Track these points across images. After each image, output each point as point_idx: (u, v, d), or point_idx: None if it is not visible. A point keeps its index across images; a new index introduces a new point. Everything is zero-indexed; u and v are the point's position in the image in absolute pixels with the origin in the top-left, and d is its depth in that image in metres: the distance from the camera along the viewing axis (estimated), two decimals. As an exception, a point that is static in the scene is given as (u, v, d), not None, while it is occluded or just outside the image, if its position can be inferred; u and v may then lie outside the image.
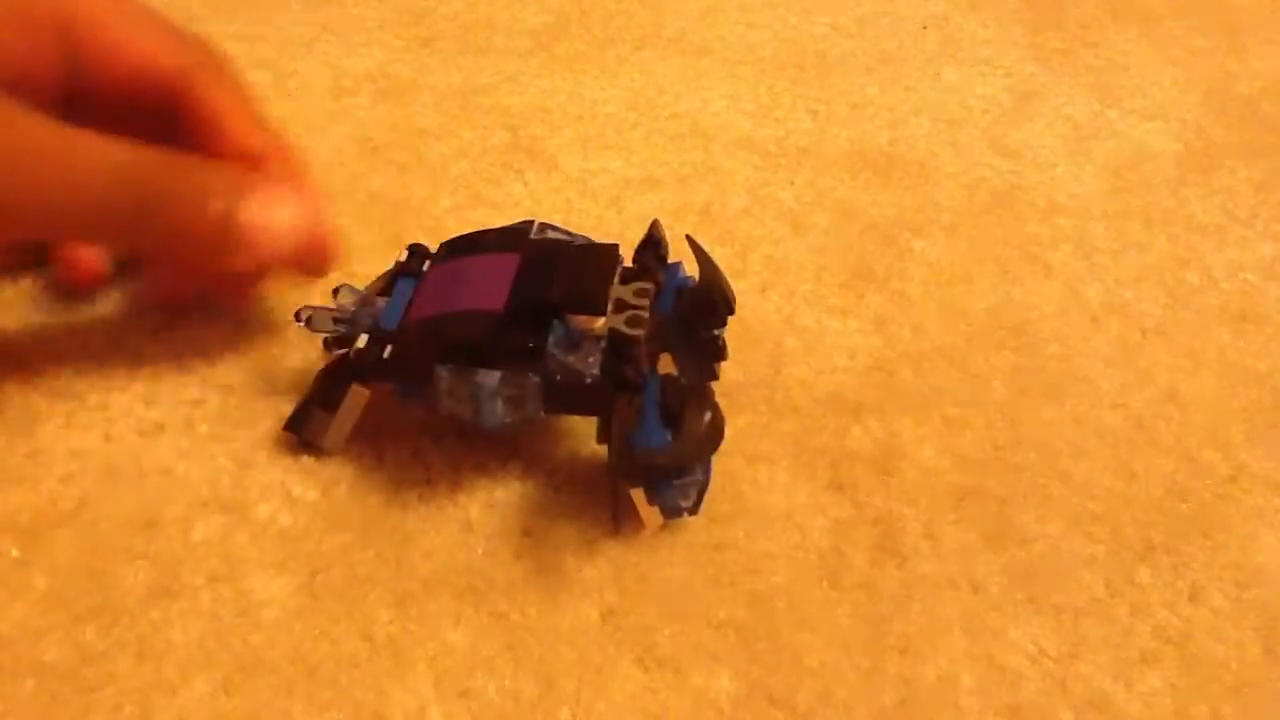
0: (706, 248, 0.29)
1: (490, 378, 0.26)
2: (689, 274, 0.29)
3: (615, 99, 0.44)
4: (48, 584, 0.26)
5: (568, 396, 0.26)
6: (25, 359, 0.31)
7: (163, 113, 0.29)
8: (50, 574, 0.26)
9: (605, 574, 0.27)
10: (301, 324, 0.29)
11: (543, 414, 0.26)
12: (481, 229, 0.29)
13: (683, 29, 0.49)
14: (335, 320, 0.29)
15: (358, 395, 0.28)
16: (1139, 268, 0.38)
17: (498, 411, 0.26)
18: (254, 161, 0.29)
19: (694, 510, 0.27)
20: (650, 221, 0.29)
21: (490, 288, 0.27)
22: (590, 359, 0.26)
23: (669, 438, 0.26)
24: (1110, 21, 0.52)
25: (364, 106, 0.42)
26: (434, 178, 0.39)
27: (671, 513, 0.27)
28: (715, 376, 0.30)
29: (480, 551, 0.28)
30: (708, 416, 0.26)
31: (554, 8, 0.50)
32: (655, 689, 0.25)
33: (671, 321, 0.28)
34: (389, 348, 0.27)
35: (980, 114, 0.45)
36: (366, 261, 0.35)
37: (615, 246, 0.28)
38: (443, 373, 0.26)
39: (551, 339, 0.26)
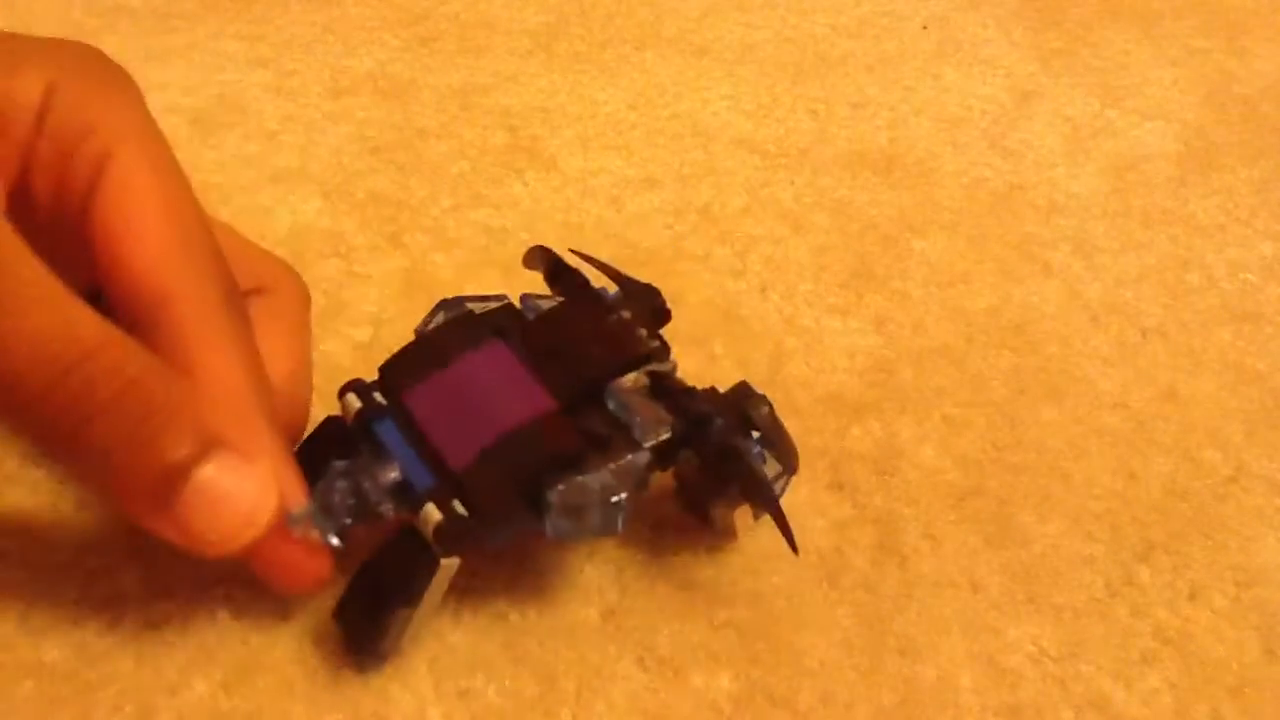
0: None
1: (601, 476, 0.23)
2: (602, 286, 0.27)
3: (615, 99, 0.44)
4: (48, 584, 0.26)
5: (671, 456, 0.24)
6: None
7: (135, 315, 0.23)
8: (50, 574, 0.26)
9: (605, 574, 0.27)
10: (297, 530, 0.22)
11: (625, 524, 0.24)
12: (416, 339, 0.25)
13: (683, 29, 0.49)
14: (339, 507, 0.23)
15: (448, 569, 0.23)
16: (1139, 268, 0.38)
17: (624, 513, 0.23)
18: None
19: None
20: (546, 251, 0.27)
21: (514, 388, 0.23)
22: (661, 414, 0.24)
23: (764, 453, 0.25)
24: (1110, 21, 0.52)
25: (364, 106, 0.42)
26: (434, 178, 0.39)
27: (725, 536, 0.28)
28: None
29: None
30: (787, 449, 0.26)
31: (554, 8, 0.50)
32: (655, 689, 0.25)
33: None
34: (455, 503, 0.22)
35: (980, 114, 0.45)
36: (366, 262, 0.35)
37: (603, 292, 0.25)
38: (551, 496, 0.22)
39: (613, 409, 0.24)
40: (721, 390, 0.26)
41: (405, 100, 0.43)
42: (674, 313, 0.27)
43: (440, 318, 0.25)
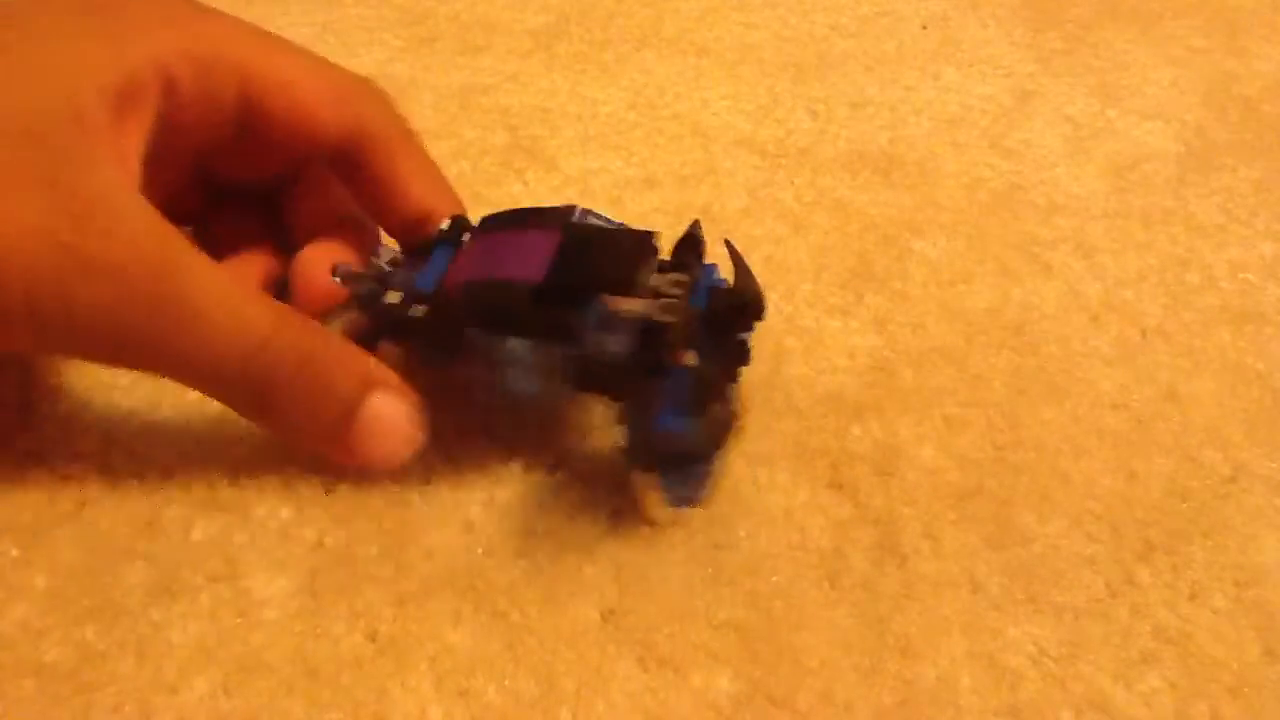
0: (741, 252, 0.29)
1: (522, 346, 0.26)
2: (723, 276, 0.29)
3: (615, 99, 0.44)
4: (48, 584, 0.26)
5: (595, 375, 0.26)
6: (25, 359, 0.31)
7: (341, 158, 0.29)
8: (50, 574, 0.26)
9: (605, 574, 0.27)
10: (338, 279, 0.29)
11: (568, 389, 0.27)
12: (524, 207, 0.30)
13: (683, 29, 0.49)
14: (373, 279, 0.29)
15: (386, 352, 0.28)
16: (1139, 268, 0.38)
17: (523, 379, 0.26)
18: (430, 214, 0.30)
19: (697, 501, 0.27)
20: (691, 222, 0.29)
21: (530, 261, 0.27)
22: (622, 340, 0.26)
23: (688, 424, 0.26)
24: (1110, 21, 0.52)
25: (364, 106, 0.42)
26: (434, 178, 0.39)
27: (680, 503, 0.27)
28: (735, 379, 0.29)
29: (480, 551, 0.28)
30: (728, 408, 0.27)
31: (554, 8, 0.50)
32: (655, 689, 0.25)
33: (700, 320, 0.28)
34: (422, 308, 0.28)
35: (980, 114, 0.45)
36: (366, 261, 0.35)
37: (655, 234, 0.28)
38: (476, 336, 0.26)
39: (587, 314, 0.26)
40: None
41: (405, 100, 0.43)
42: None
43: (522, 210, 0.30)
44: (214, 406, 0.30)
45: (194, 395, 0.30)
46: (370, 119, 0.29)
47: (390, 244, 0.31)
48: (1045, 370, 0.34)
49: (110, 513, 0.28)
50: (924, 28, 0.51)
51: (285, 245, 0.32)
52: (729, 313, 0.28)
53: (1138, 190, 0.41)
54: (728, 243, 0.29)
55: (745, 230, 0.38)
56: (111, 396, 0.30)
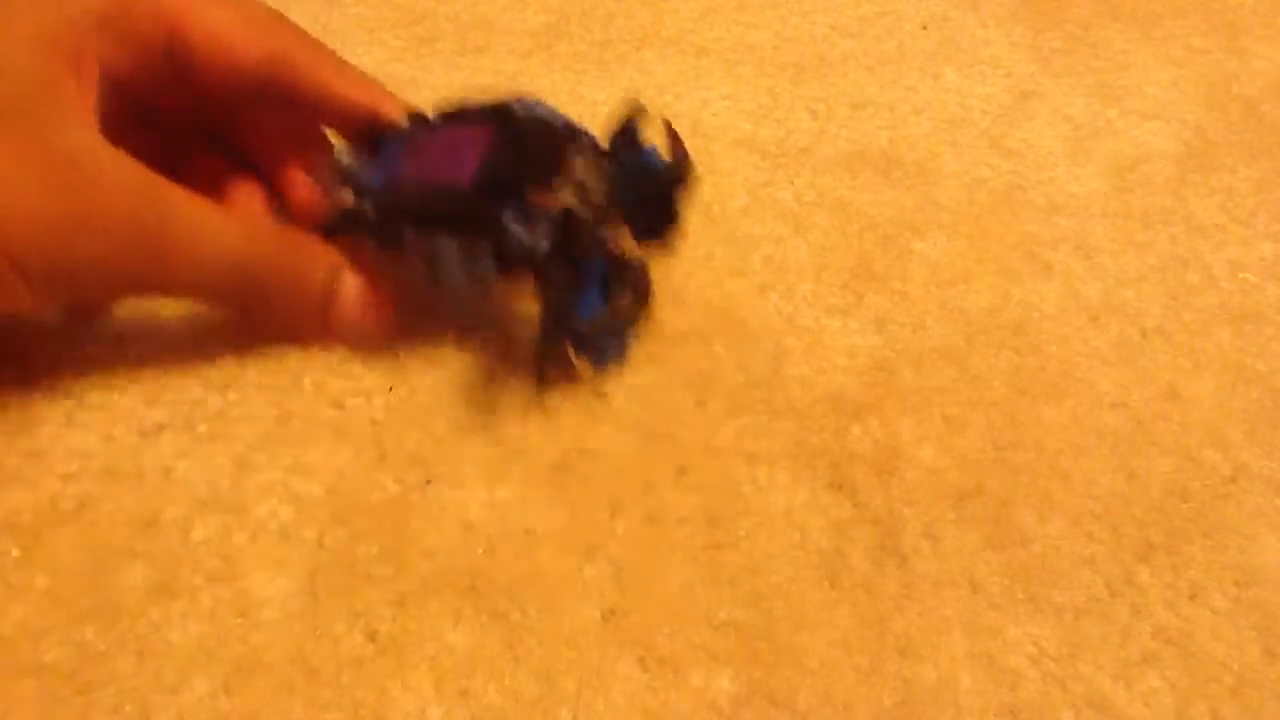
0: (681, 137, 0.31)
1: (449, 245, 0.28)
2: (660, 157, 0.31)
3: (615, 99, 0.44)
4: (48, 584, 0.26)
5: (519, 264, 0.29)
6: (25, 359, 0.31)
7: (270, 88, 0.31)
8: (50, 574, 0.26)
9: (605, 574, 0.27)
10: (310, 176, 0.32)
11: (495, 278, 0.29)
12: (470, 99, 0.32)
13: (682, 29, 0.49)
14: (334, 175, 0.32)
15: (340, 246, 0.31)
16: (1139, 268, 0.38)
17: (451, 275, 0.29)
18: (375, 114, 0.32)
19: (620, 361, 0.31)
20: (627, 105, 0.31)
21: (460, 161, 0.29)
22: (541, 233, 0.28)
23: (603, 308, 0.29)
24: (1110, 21, 0.52)
25: (364, 106, 0.42)
26: (434, 178, 0.39)
27: (600, 366, 0.31)
28: (668, 245, 0.32)
29: (480, 551, 0.28)
30: (638, 294, 0.30)
31: (554, 8, 0.50)
32: (655, 689, 0.25)
33: (633, 197, 0.30)
34: (370, 206, 0.30)
35: (980, 114, 0.45)
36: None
37: (582, 131, 0.30)
38: (410, 235, 0.29)
39: (508, 213, 0.28)
40: None
41: (405, 100, 0.43)
42: (674, 313, 0.29)
43: (471, 101, 0.32)
44: (214, 405, 0.30)
45: (193, 395, 0.30)
46: (287, 42, 0.31)
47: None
48: (1045, 370, 0.34)
49: (110, 513, 0.28)
50: (924, 28, 0.51)
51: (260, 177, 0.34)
52: (660, 189, 0.30)
53: (1138, 190, 0.41)
54: (665, 122, 0.31)
55: (745, 230, 0.38)
56: (111, 396, 0.30)
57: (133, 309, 0.33)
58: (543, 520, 0.28)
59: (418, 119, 0.32)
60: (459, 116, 0.31)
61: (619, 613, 0.26)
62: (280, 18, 0.31)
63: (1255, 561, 0.29)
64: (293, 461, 0.29)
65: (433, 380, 0.32)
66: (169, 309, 0.33)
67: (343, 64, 0.32)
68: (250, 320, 0.31)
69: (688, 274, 0.36)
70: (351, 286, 0.30)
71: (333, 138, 0.34)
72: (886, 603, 0.27)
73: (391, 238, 0.30)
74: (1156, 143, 0.44)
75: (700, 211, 0.39)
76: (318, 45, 0.32)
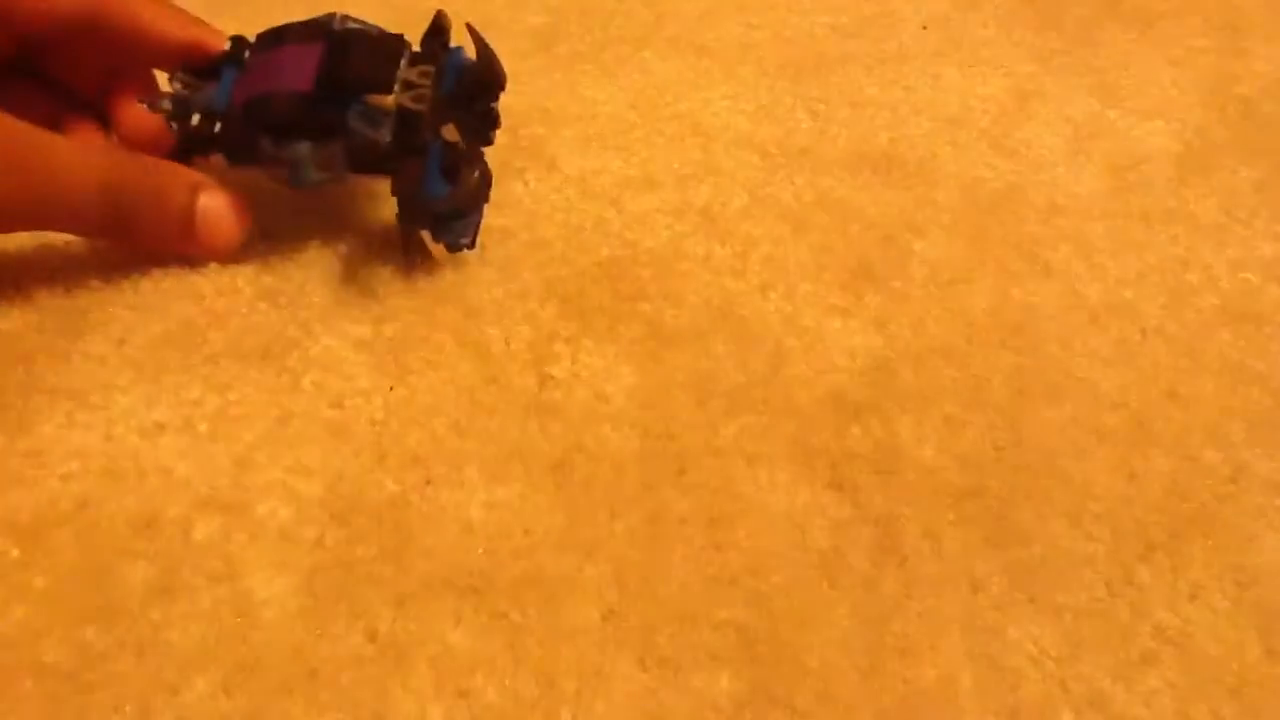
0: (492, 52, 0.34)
1: (303, 147, 0.31)
2: (468, 56, 0.35)
3: (615, 99, 0.44)
4: (48, 584, 0.26)
5: (366, 160, 0.32)
6: (25, 358, 0.31)
7: (91, 31, 0.33)
8: (50, 574, 0.26)
9: (605, 574, 0.27)
10: (145, 106, 0.34)
11: (348, 174, 0.32)
12: (288, 22, 0.34)
13: (683, 29, 0.49)
14: (174, 102, 0.34)
15: (199, 165, 0.34)
16: (1139, 268, 0.38)
17: (310, 174, 0.32)
18: (195, 48, 0.34)
19: (471, 245, 0.34)
20: (435, 13, 0.34)
21: (299, 73, 0.32)
22: (383, 129, 0.32)
23: (448, 189, 0.32)
24: (1110, 21, 0.52)
25: (364, 106, 0.42)
26: (434, 178, 0.39)
27: (453, 248, 0.34)
28: (490, 143, 0.36)
29: (480, 551, 0.28)
30: (477, 172, 0.33)
31: (554, 8, 0.50)
32: (655, 689, 0.25)
33: (453, 96, 0.33)
34: (218, 125, 0.34)
35: (980, 114, 0.45)
36: (369, 260, 0.35)
37: (401, 36, 0.34)
38: (265, 143, 0.32)
39: (351, 113, 0.32)
40: None
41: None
42: (674, 313, 0.31)
43: (290, 25, 0.34)
44: (214, 405, 0.30)
45: (193, 395, 0.30)
46: None
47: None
48: (1045, 370, 0.34)
49: (110, 513, 0.28)
50: (924, 28, 0.51)
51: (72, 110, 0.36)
52: (475, 87, 0.34)
53: (1138, 190, 0.41)
54: (469, 26, 0.34)
55: (745, 230, 0.38)
56: (111, 396, 0.30)
57: (133, 308, 0.33)
58: (543, 520, 0.28)
59: (242, 43, 0.35)
60: (282, 36, 0.34)
61: (619, 613, 0.26)
62: None
63: (1255, 561, 0.29)
64: (293, 461, 0.29)
65: (433, 380, 0.32)
66: (170, 309, 0.33)
67: (161, 3, 0.34)
68: (122, 245, 0.33)
69: (688, 274, 0.36)
70: (211, 201, 0.33)
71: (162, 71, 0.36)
72: (886, 603, 0.27)
73: (245, 150, 0.33)
74: (1156, 143, 0.44)
75: (700, 211, 0.39)
76: None
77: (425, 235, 0.34)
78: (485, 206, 0.34)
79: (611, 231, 0.37)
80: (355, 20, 0.34)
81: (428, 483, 0.29)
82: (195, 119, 0.34)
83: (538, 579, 0.27)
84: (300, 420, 0.30)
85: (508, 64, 0.47)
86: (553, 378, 0.32)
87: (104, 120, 0.36)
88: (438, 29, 0.34)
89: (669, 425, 0.31)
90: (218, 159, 0.35)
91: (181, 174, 0.33)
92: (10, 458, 0.29)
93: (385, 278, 0.35)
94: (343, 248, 0.36)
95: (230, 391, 0.31)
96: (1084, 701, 0.26)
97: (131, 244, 0.33)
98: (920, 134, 0.44)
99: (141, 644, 0.25)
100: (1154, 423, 0.32)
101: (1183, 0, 0.54)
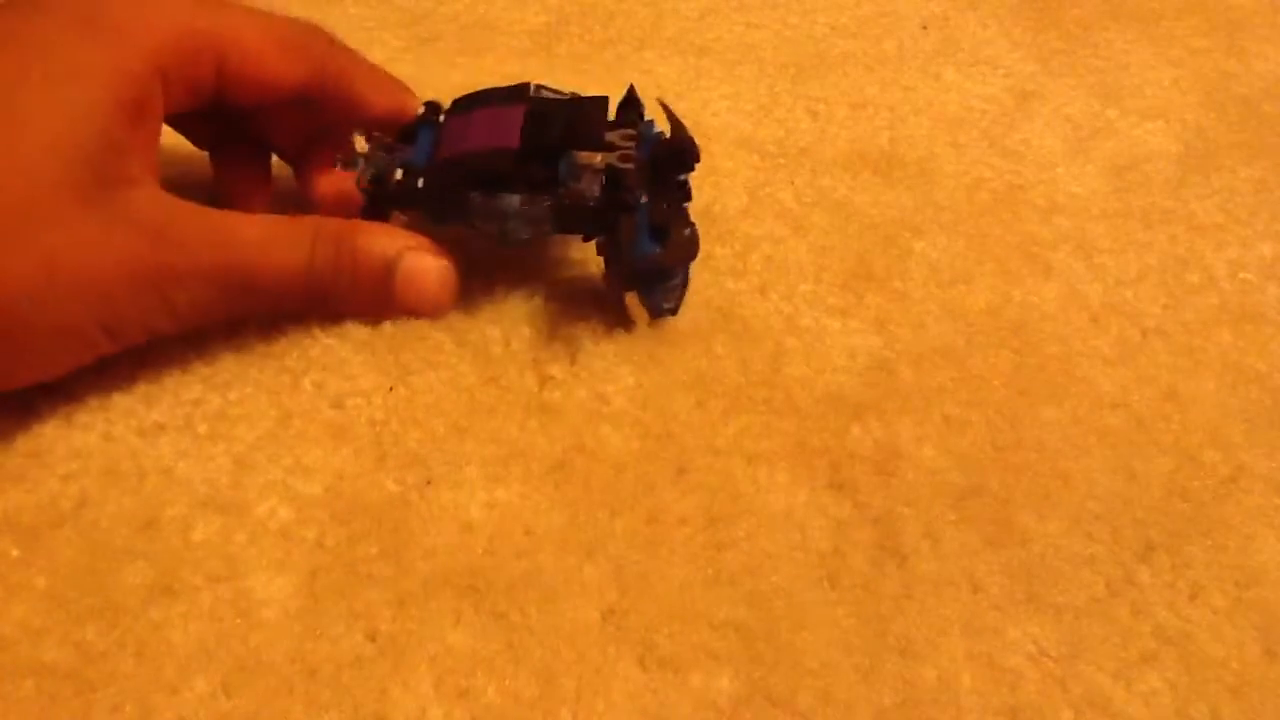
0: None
1: (512, 200, 0.31)
2: (661, 129, 0.34)
3: (615, 99, 0.44)
4: (48, 584, 0.26)
5: (575, 217, 0.32)
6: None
7: (308, 95, 0.33)
8: (50, 574, 0.26)
9: (605, 574, 0.27)
10: (338, 166, 0.34)
11: (553, 232, 0.32)
12: (487, 88, 0.34)
13: (683, 29, 0.49)
14: (372, 160, 0.33)
15: (397, 223, 0.34)
16: (1139, 268, 0.38)
17: (519, 229, 0.32)
18: (400, 114, 0.34)
19: (674, 311, 0.33)
20: (629, 86, 0.34)
21: (504, 131, 0.32)
22: (593, 187, 0.31)
23: (658, 248, 0.32)
24: (1110, 21, 0.52)
25: (364, 106, 0.42)
26: (434, 178, 0.39)
27: (657, 313, 0.33)
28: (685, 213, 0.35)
29: (480, 551, 0.28)
30: (688, 230, 0.32)
31: (554, 8, 0.50)
32: (655, 689, 0.25)
33: (648, 167, 0.33)
34: (421, 180, 0.33)
35: (980, 114, 0.45)
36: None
37: (605, 98, 0.34)
38: (475, 197, 0.31)
39: (561, 170, 0.31)
40: None
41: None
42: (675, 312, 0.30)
43: (491, 89, 0.35)
44: (214, 405, 0.30)
45: (193, 395, 0.30)
46: (324, 60, 0.33)
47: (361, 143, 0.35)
48: (1045, 370, 0.34)
49: (110, 513, 0.28)
50: (924, 28, 0.51)
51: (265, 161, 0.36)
52: (670, 158, 0.33)
53: (1138, 190, 0.41)
54: (661, 101, 0.34)
55: (745, 230, 0.38)
56: (111, 396, 0.30)
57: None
58: (543, 520, 0.28)
59: (436, 107, 0.35)
60: (479, 100, 0.34)
61: (619, 613, 0.26)
62: (316, 33, 0.33)
63: (1255, 561, 0.29)
64: (293, 461, 0.29)
65: (433, 380, 0.32)
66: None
67: (373, 70, 0.34)
68: (324, 311, 0.32)
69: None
70: (415, 262, 0.32)
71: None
72: (886, 603, 0.27)
73: (452, 206, 0.32)
74: (1156, 143, 0.44)
75: (700, 211, 0.39)
76: (350, 55, 0.34)
77: (631, 300, 0.33)
78: (689, 272, 0.34)
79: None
80: (550, 89, 0.34)
81: (428, 483, 0.29)
82: (398, 174, 0.33)
83: (538, 579, 0.27)
84: (300, 420, 0.30)
85: (507, 64, 0.47)
86: (553, 378, 0.32)
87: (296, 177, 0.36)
88: (632, 100, 0.34)
89: (669, 425, 0.31)
90: (416, 217, 0.34)
91: (386, 234, 0.32)
92: (10, 458, 0.29)
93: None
94: (343, 248, 0.36)
95: (230, 391, 0.31)
96: (1084, 701, 0.26)
97: (339, 311, 0.32)
98: (920, 134, 0.44)
99: (141, 644, 0.25)
100: (1154, 423, 0.32)
101: (1183, 0, 0.54)
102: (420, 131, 0.34)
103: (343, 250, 0.31)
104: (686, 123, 0.33)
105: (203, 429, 0.30)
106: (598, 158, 0.31)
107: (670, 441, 0.30)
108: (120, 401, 0.30)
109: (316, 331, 0.33)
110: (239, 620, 0.26)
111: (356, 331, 0.33)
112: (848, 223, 0.39)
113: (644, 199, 0.32)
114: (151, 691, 0.24)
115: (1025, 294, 0.36)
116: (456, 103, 0.35)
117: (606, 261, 0.33)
